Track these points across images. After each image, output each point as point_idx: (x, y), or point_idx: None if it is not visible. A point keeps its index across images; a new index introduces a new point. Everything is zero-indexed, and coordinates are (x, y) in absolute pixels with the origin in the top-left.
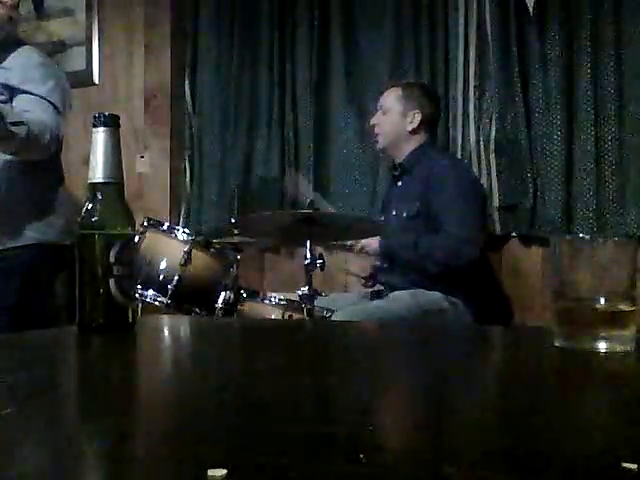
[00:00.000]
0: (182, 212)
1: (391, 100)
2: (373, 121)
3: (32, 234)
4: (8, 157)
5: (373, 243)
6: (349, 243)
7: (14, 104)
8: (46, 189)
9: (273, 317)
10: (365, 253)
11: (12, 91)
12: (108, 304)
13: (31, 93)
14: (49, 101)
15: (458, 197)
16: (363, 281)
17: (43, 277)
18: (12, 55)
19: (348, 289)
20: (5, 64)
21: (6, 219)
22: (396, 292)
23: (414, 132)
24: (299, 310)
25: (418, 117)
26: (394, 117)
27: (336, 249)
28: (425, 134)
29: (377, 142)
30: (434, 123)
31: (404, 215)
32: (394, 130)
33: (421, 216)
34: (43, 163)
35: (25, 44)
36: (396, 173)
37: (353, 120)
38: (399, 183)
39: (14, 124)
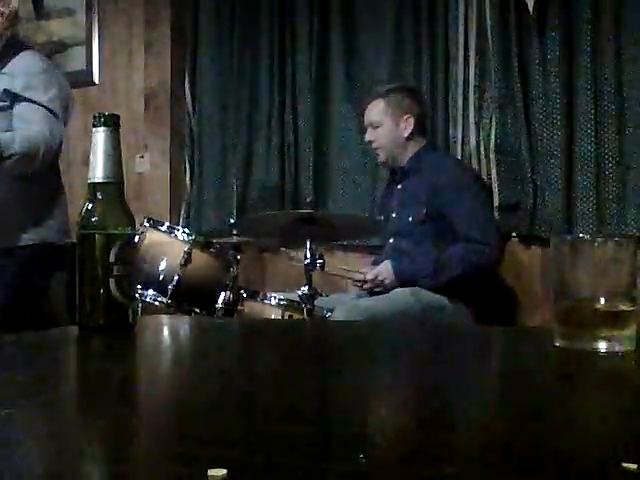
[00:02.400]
0: (182, 212)
1: (378, 113)
2: (368, 138)
3: (29, 236)
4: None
5: (385, 273)
6: (357, 277)
7: (14, 112)
8: (43, 191)
9: (273, 317)
10: (381, 286)
11: (14, 98)
12: (108, 304)
13: (32, 101)
14: (50, 110)
15: (473, 201)
16: (359, 284)
17: (40, 277)
18: (13, 60)
19: (348, 289)
20: (6, 70)
21: (3, 221)
22: (397, 289)
23: (410, 137)
24: (299, 310)
25: (411, 121)
26: (387, 128)
27: (336, 249)
28: (421, 136)
29: (378, 156)
30: (425, 122)
31: (409, 219)
32: (391, 141)
33: (430, 221)
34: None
35: (26, 47)
36: (396, 177)
37: (353, 121)
38: (399, 186)
39: (3, 158)
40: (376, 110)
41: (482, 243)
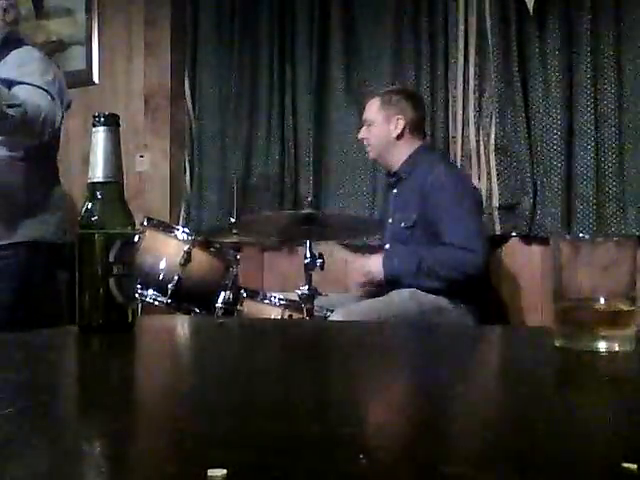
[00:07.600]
0: (182, 212)
1: (372, 111)
2: (360, 135)
3: (26, 232)
4: (2, 153)
5: (374, 266)
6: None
7: (12, 93)
8: (40, 186)
9: (273, 317)
10: (370, 277)
11: (10, 83)
12: (108, 304)
13: (29, 84)
14: (46, 90)
15: (456, 206)
16: (359, 287)
17: (39, 276)
18: (12, 53)
19: (348, 289)
20: (4, 62)
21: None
22: (396, 291)
23: (400, 137)
24: (299, 310)
25: (401, 122)
26: (378, 127)
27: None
28: (414, 138)
29: (369, 153)
30: (420, 125)
31: (402, 225)
32: (380, 140)
33: (418, 226)
34: (38, 160)
35: (26, 44)
36: (391, 181)
37: (353, 121)
38: (394, 190)
39: (10, 106)
40: (371, 108)
41: (467, 250)
